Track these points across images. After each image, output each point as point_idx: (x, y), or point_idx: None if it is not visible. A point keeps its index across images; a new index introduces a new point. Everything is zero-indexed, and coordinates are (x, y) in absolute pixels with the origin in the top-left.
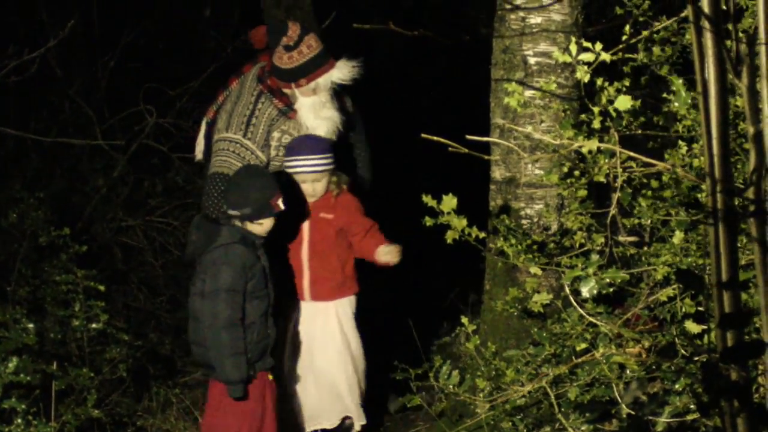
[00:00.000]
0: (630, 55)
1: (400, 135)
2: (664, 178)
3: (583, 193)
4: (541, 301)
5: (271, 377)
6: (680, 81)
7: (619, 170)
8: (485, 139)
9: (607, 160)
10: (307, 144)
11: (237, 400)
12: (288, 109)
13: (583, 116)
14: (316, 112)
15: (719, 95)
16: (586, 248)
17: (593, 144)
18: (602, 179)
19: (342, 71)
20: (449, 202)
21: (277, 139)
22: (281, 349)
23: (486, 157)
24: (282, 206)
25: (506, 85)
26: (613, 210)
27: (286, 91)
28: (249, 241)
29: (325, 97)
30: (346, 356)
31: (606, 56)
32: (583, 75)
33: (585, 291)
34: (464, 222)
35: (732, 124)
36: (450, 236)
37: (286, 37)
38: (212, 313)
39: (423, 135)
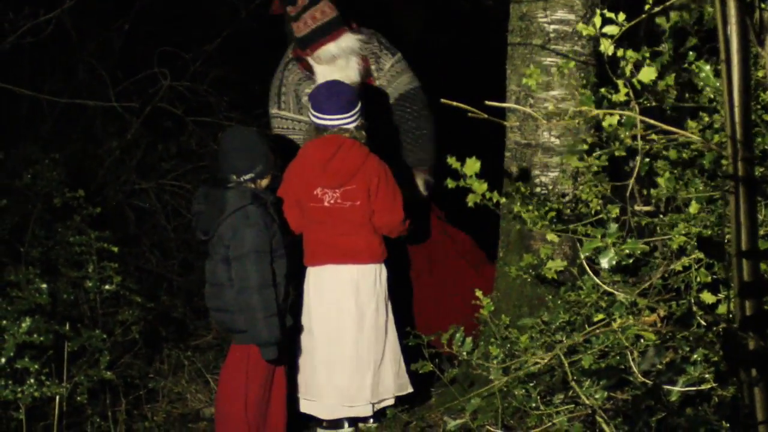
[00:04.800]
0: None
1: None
2: (688, 150)
3: (598, 169)
4: (556, 268)
5: None
6: (708, 67)
7: (640, 143)
8: (504, 104)
9: (627, 133)
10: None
11: (270, 362)
12: (310, 74)
13: (603, 90)
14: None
15: (742, 63)
16: (601, 216)
17: (613, 119)
18: (623, 154)
19: (342, 43)
20: (473, 165)
21: (307, 102)
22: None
23: (504, 123)
24: (271, 153)
25: (525, 70)
26: (631, 182)
27: (306, 57)
28: (262, 200)
29: (338, 66)
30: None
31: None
32: (607, 47)
33: (604, 262)
34: (485, 186)
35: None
36: (471, 200)
37: (292, 6)
38: (242, 276)
39: (443, 100)
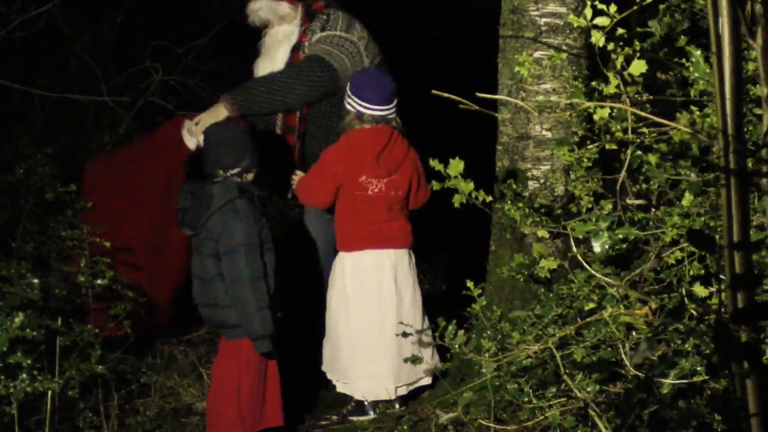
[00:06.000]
0: (643, 29)
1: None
2: (675, 137)
3: (589, 163)
4: (548, 267)
5: None
6: (699, 52)
7: (631, 136)
8: (496, 96)
9: (618, 126)
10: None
11: (264, 355)
12: None
13: (594, 83)
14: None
15: (733, 55)
16: (593, 212)
17: (605, 111)
18: (614, 147)
19: (253, 5)
20: (456, 165)
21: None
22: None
23: (496, 115)
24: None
25: (517, 56)
26: (622, 175)
27: None
28: (248, 194)
29: (269, 34)
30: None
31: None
32: (598, 39)
33: (597, 246)
34: (471, 186)
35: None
36: (457, 200)
37: None
38: (233, 270)
39: (434, 91)
